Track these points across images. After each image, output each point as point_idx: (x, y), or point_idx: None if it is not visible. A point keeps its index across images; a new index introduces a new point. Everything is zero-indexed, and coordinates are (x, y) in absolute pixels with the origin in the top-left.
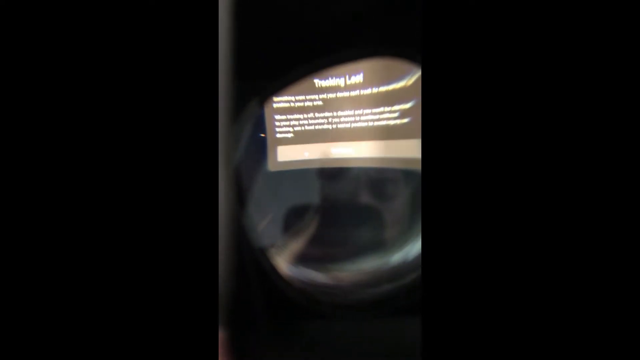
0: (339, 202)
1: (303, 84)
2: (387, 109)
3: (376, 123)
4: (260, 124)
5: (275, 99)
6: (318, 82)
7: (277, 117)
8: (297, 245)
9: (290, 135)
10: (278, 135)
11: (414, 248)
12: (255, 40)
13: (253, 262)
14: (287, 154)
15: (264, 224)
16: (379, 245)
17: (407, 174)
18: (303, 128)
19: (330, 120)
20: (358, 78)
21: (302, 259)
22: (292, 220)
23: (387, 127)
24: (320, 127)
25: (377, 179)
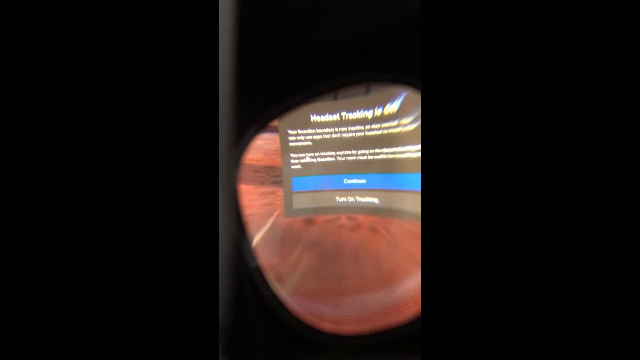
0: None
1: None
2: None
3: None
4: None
5: (292, 132)
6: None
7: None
8: (298, 275)
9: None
10: (293, 167)
11: (414, 280)
12: (254, 66)
13: (253, 291)
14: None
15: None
16: (379, 277)
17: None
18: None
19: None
20: (393, 107)
21: (304, 290)
22: (292, 250)
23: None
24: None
25: (377, 209)
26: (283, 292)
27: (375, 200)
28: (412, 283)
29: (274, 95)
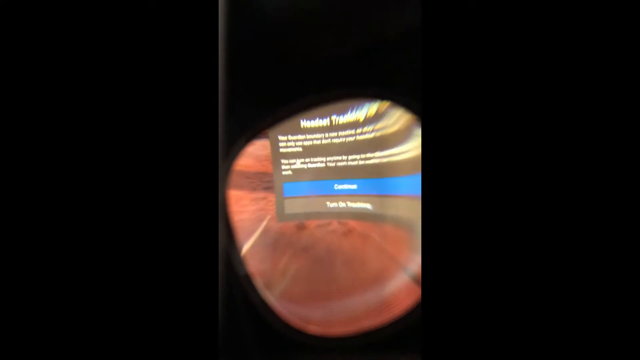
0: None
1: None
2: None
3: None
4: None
5: (282, 138)
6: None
7: (283, 160)
8: (286, 280)
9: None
10: (284, 173)
11: (402, 279)
12: (247, 75)
13: (242, 296)
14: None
15: (254, 257)
16: (365, 280)
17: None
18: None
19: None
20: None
21: (291, 294)
22: (282, 255)
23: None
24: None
25: (369, 214)
26: (271, 297)
27: (367, 205)
28: (394, 284)
29: (266, 105)
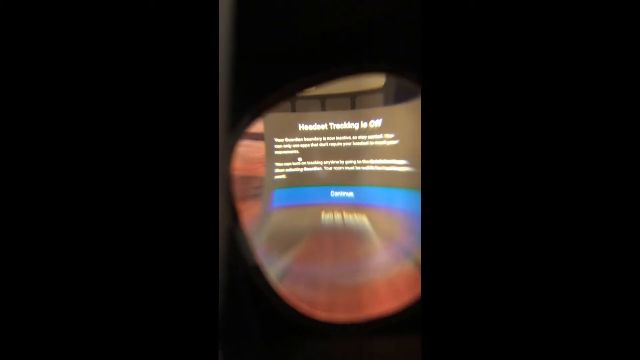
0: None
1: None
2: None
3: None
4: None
5: (278, 140)
6: (333, 124)
7: (277, 164)
8: (292, 262)
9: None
10: (276, 177)
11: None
12: (250, 55)
13: (247, 280)
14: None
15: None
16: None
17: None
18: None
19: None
20: (377, 123)
21: (298, 276)
22: (287, 237)
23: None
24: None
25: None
26: (275, 278)
27: (364, 219)
28: (398, 271)
29: (270, 83)
